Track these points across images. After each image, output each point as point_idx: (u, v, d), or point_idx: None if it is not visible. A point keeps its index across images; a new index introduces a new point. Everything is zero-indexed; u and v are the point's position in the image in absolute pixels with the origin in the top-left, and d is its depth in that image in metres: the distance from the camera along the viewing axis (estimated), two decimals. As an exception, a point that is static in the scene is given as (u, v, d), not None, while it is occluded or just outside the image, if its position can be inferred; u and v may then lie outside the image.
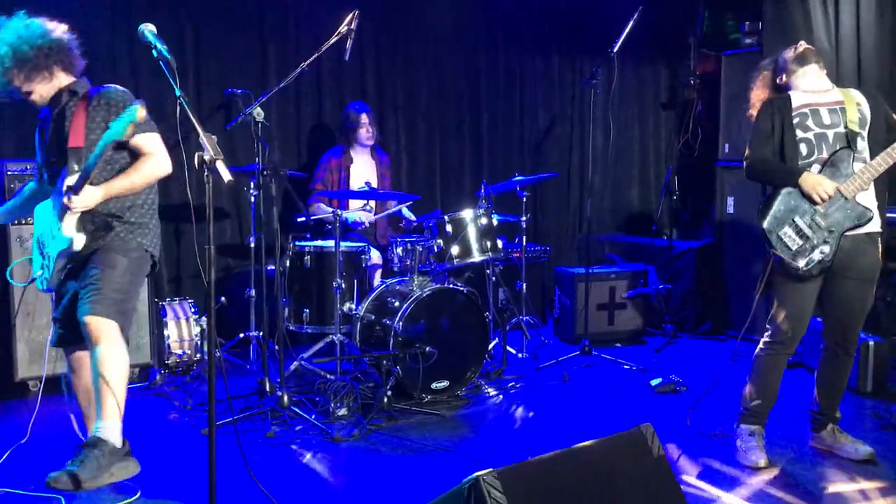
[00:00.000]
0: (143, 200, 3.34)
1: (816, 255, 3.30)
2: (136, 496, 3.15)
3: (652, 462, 2.31)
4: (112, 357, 3.09)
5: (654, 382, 4.67)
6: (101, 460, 3.04)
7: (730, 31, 6.50)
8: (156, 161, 3.23)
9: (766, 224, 3.38)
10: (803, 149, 3.39)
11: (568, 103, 6.93)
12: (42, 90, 3.23)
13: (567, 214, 7.03)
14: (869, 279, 3.41)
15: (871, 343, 4.41)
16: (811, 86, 3.46)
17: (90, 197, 3.09)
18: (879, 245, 3.43)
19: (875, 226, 3.37)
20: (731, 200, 5.97)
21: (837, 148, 3.34)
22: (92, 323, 3.08)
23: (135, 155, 3.25)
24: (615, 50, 5.23)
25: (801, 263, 3.32)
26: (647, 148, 7.25)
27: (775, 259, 3.38)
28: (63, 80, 3.26)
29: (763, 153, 3.45)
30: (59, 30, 3.27)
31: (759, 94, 3.61)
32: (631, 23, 5.21)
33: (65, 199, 3.05)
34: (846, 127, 3.35)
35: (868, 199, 3.35)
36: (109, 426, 3.09)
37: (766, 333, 3.53)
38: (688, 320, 6.13)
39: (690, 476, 3.36)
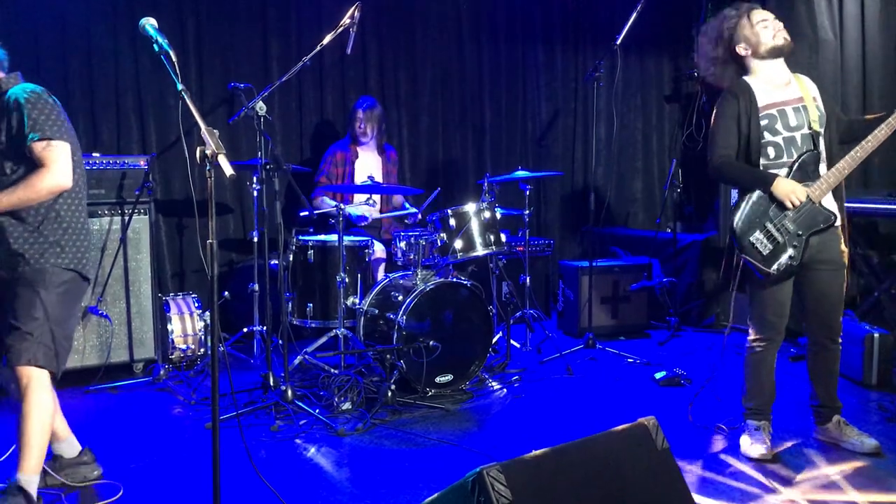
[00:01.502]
0: (48, 214, 2.97)
1: (785, 259, 3.32)
2: (119, 495, 3.15)
3: (656, 455, 2.30)
4: (40, 408, 2.90)
5: (658, 376, 4.66)
6: None
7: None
8: (54, 176, 2.87)
9: (737, 228, 3.38)
10: (771, 152, 3.38)
11: (571, 96, 6.92)
12: None
13: (570, 208, 7.01)
14: (840, 266, 3.42)
15: (876, 335, 4.39)
16: (774, 77, 3.42)
17: None
18: (840, 235, 3.43)
19: (836, 222, 3.39)
20: (734, 193, 5.91)
21: (804, 151, 3.34)
22: (21, 372, 2.88)
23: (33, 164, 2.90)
24: (618, 42, 5.20)
25: (772, 268, 3.33)
26: (650, 141, 7.23)
27: (745, 263, 3.39)
28: None
29: (730, 154, 3.42)
30: None
31: (714, 55, 3.53)
32: (634, 15, 5.19)
33: None
34: (810, 127, 3.35)
35: (828, 200, 3.37)
36: (32, 480, 2.91)
37: (750, 332, 3.53)
38: (692, 313, 6.12)
39: (695, 468, 3.36)
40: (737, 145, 3.42)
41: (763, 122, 3.38)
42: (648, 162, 7.25)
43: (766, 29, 3.41)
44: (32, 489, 2.90)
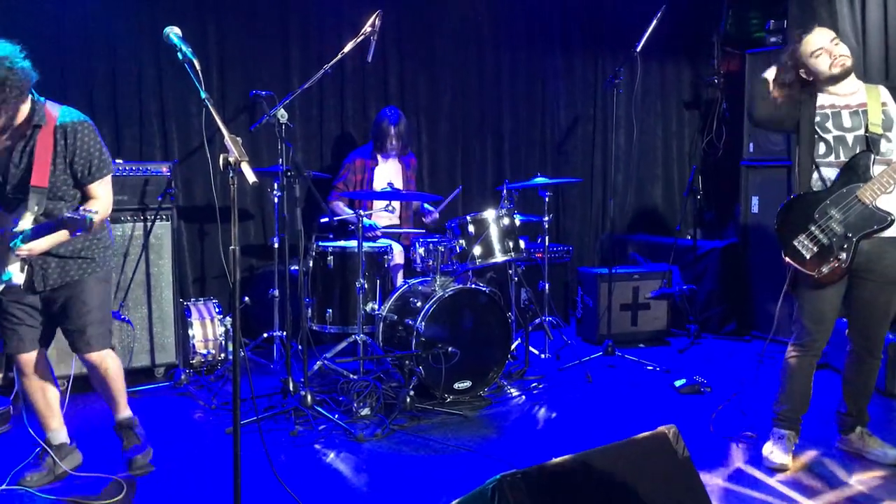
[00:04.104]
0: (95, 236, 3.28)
1: (832, 262, 3.26)
2: (122, 494, 3.22)
3: (677, 464, 2.29)
4: (118, 370, 3.43)
5: (678, 383, 4.63)
6: (141, 431, 3.53)
7: (754, 30, 6.44)
8: (105, 207, 3.18)
9: (781, 231, 3.35)
10: (821, 147, 3.36)
11: (590, 103, 6.91)
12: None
13: (590, 214, 7.00)
14: (891, 281, 3.35)
15: (900, 344, 4.35)
16: (840, 89, 3.39)
17: (35, 248, 2.98)
18: None
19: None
20: (755, 200, 5.92)
21: (857, 151, 3.30)
22: (95, 357, 3.31)
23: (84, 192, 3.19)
24: (638, 49, 5.20)
25: (816, 271, 3.28)
26: (670, 147, 7.20)
27: (788, 267, 3.35)
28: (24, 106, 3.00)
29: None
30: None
31: (787, 92, 3.49)
32: (654, 21, 5.18)
33: (12, 244, 2.95)
34: (867, 130, 3.29)
35: (890, 202, 3.28)
36: (128, 411, 3.53)
37: (791, 337, 3.50)
38: (712, 321, 6.09)
39: (716, 478, 3.34)
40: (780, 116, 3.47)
41: (816, 119, 3.36)
42: (668, 168, 7.22)
43: (821, 58, 3.35)
44: (135, 419, 3.54)
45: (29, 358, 3.25)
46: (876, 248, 3.29)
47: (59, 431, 3.39)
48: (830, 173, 3.32)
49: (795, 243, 3.31)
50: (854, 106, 3.35)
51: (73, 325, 3.23)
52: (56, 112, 3.09)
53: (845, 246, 3.25)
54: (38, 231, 2.95)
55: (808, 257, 3.29)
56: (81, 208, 2.85)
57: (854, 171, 3.27)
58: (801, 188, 3.40)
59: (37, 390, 3.33)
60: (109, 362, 3.36)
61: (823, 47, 3.34)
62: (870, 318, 3.39)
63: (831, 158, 3.34)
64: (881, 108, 3.31)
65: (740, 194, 6.07)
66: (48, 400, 3.35)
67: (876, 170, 3.26)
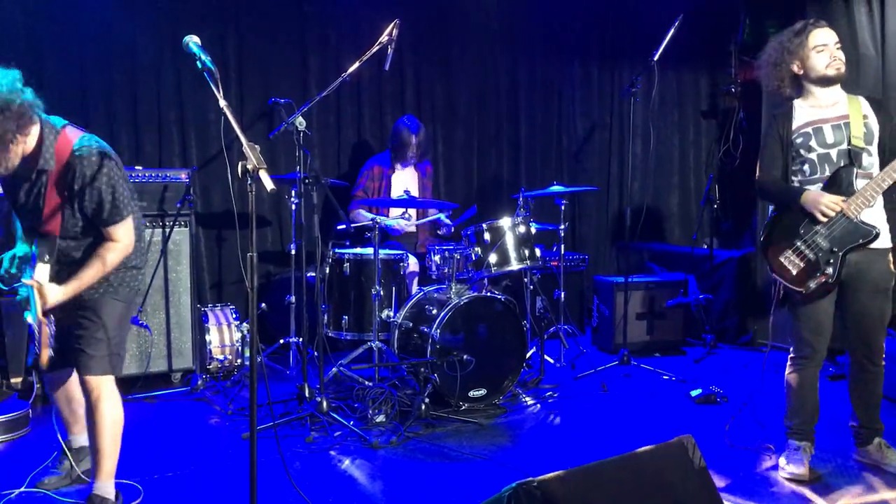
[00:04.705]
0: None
1: (819, 277, 3.25)
2: (139, 499, 3.22)
3: (693, 473, 2.28)
4: (111, 414, 3.04)
5: (694, 393, 4.61)
6: None
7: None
8: (123, 250, 2.98)
9: (766, 247, 3.36)
10: (806, 169, 3.36)
11: (607, 111, 6.91)
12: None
13: (606, 223, 6.99)
14: (883, 289, 3.34)
15: (917, 354, 4.30)
16: (821, 99, 3.37)
17: (57, 297, 2.88)
18: (890, 258, 3.35)
19: (883, 242, 3.30)
20: (772, 209, 5.88)
21: (839, 166, 3.29)
22: (91, 382, 3.00)
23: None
24: (656, 58, 5.19)
25: (804, 286, 3.27)
26: (687, 156, 7.18)
27: (776, 282, 3.35)
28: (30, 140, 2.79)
29: (772, 175, 3.43)
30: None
31: (774, 64, 3.44)
32: (672, 30, 5.17)
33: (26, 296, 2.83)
34: (850, 143, 3.28)
35: (874, 216, 3.28)
36: (107, 486, 3.06)
37: (790, 350, 3.48)
38: (728, 331, 6.06)
39: (732, 489, 3.31)
40: (781, 166, 3.40)
41: (798, 141, 3.36)
42: (685, 177, 7.20)
43: (822, 54, 3.33)
44: (111, 493, 3.05)
45: (52, 374, 3.22)
46: (864, 259, 3.29)
47: (79, 436, 3.40)
48: (814, 190, 3.31)
49: (782, 258, 3.32)
50: (835, 119, 3.33)
51: (78, 344, 3.00)
52: (71, 144, 2.84)
53: (831, 261, 3.25)
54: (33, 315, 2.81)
55: (794, 273, 3.29)
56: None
57: (837, 186, 3.28)
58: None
59: (60, 399, 3.34)
60: (104, 394, 3.00)
61: (827, 45, 3.33)
62: (866, 327, 3.38)
63: (816, 176, 3.34)
64: (863, 122, 3.30)
65: (757, 204, 6.03)
66: (72, 409, 3.35)
67: (859, 184, 3.25)
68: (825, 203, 3.23)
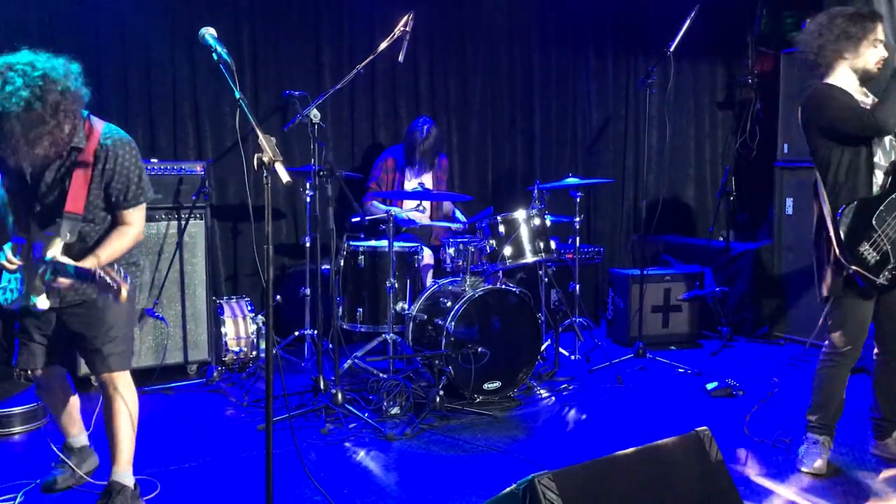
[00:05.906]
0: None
1: (890, 269, 3.20)
2: (156, 492, 3.24)
3: (710, 467, 2.27)
4: (129, 404, 3.09)
5: (709, 386, 4.59)
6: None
7: (788, 30, 6.34)
8: (135, 237, 3.04)
9: (846, 239, 3.23)
10: (875, 150, 3.27)
11: (622, 103, 6.87)
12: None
13: (621, 215, 6.96)
14: None
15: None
16: (857, 91, 3.31)
17: (92, 262, 2.84)
18: None
19: None
20: (789, 202, 5.84)
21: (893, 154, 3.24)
22: (108, 378, 3.05)
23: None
24: (671, 49, 5.15)
25: (880, 278, 3.21)
26: (703, 148, 7.14)
27: (851, 275, 3.24)
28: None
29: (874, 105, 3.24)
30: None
31: (817, 48, 3.31)
32: (688, 21, 5.13)
33: (44, 274, 2.82)
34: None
35: None
36: (126, 473, 3.10)
37: (826, 345, 3.43)
38: (745, 323, 6.02)
39: (749, 482, 3.30)
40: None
41: None
42: (701, 169, 7.15)
43: (877, 49, 3.27)
44: (130, 480, 3.08)
45: (41, 373, 3.15)
46: None
47: (78, 437, 3.38)
48: (878, 177, 3.25)
49: (861, 249, 3.23)
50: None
51: (93, 346, 3.02)
52: (98, 130, 2.92)
53: None
54: (77, 274, 2.78)
55: (871, 264, 3.21)
56: (121, 268, 2.76)
57: None
58: (851, 193, 3.26)
59: (54, 400, 3.31)
60: (121, 382, 3.06)
61: (884, 42, 3.29)
62: None
63: (879, 160, 3.27)
64: None
65: (774, 196, 5.99)
66: (67, 409, 3.32)
67: None
68: None
